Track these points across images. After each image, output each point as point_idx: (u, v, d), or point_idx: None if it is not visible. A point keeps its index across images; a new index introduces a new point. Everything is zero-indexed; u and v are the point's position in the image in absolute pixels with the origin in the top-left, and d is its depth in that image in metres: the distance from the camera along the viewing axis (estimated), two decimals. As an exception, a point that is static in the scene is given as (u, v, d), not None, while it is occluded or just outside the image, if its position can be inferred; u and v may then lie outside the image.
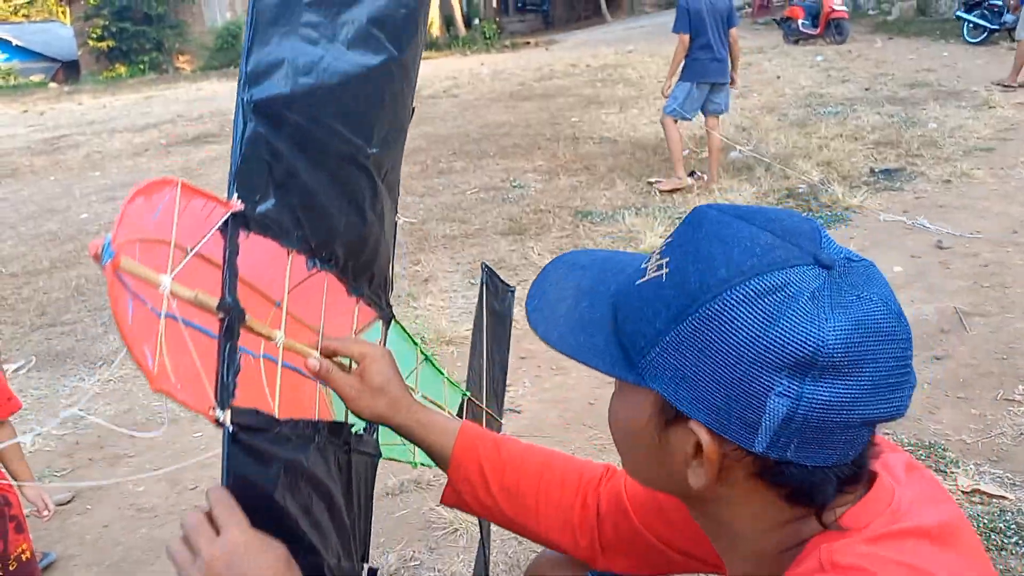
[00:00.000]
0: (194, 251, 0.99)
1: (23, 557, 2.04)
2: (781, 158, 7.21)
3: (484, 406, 1.86)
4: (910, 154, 7.04)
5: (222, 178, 9.12)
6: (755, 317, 0.70)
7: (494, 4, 36.55)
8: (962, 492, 2.60)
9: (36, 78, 32.34)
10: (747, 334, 0.70)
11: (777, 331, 0.70)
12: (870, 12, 20.43)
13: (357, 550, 1.38)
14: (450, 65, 20.77)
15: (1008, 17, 13.50)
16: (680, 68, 6.76)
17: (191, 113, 15.75)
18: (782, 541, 0.81)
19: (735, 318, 0.71)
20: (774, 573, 0.81)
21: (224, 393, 1.00)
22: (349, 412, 1.27)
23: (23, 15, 47.40)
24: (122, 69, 31.28)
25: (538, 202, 6.78)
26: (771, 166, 6.93)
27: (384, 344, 1.52)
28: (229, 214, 1.05)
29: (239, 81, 1.10)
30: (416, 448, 1.31)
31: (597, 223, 6.03)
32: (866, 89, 10.55)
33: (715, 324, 0.72)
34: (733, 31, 6.62)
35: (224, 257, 1.05)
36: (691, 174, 7.04)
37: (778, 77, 12.41)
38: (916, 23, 17.46)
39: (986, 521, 2.43)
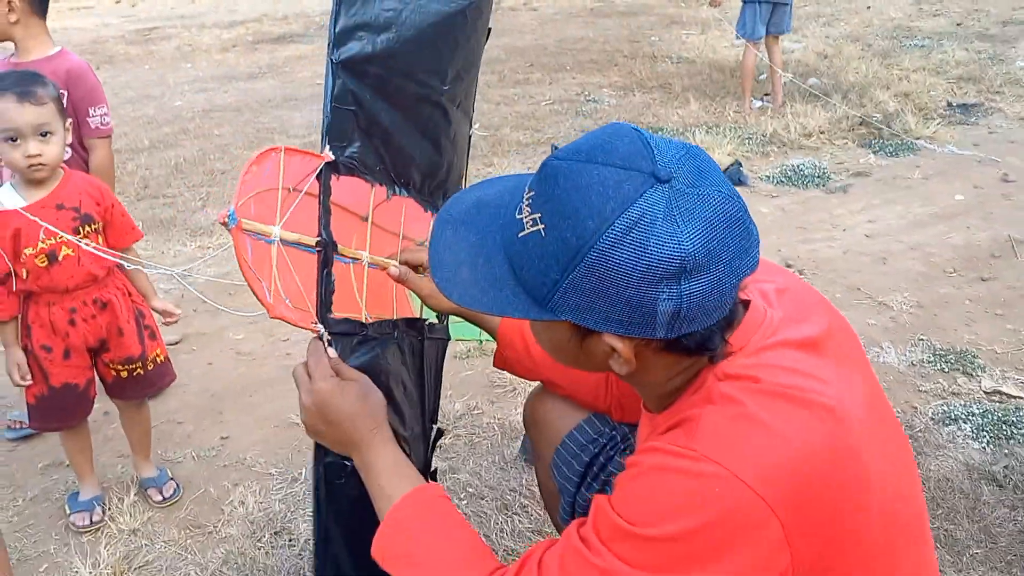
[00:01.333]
0: (295, 203, 1.36)
1: (158, 359, 2.42)
2: (859, 87, 7.20)
3: None
4: (991, 90, 6.96)
5: (308, 76, 9.42)
6: (628, 252, 0.89)
7: (582, -82, 35.61)
8: (984, 392, 2.81)
9: (125, -29, 32.80)
10: (626, 267, 0.89)
11: (648, 257, 0.88)
12: (975, -55, 19.50)
13: (427, 415, 1.71)
14: (533, -22, 20.51)
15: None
16: None
17: (276, 13, 15.98)
18: (683, 377, 1.05)
19: (612, 257, 0.89)
20: (677, 395, 1.05)
21: (323, 309, 1.36)
22: (425, 307, 1.60)
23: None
24: (208, -34, 31.61)
25: (611, 116, 6.92)
26: (848, 94, 6.94)
27: None
28: (323, 164, 1.38)
29: (328, 43, 1.37)
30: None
31: (667, 139, 6.17)
32: (958, 24, 10.26)
33: (599, 267, 0.90)
34: None
35: (319, 200, 1.39)
36: (764, 96, 7.09)
37: (868, 7, 12.09)
38: (1022, -41, 16.64)
39: (1001, 415, 2.65)
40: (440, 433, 1.75)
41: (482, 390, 2.99)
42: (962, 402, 2.76)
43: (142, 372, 2.36)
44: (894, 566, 1.04)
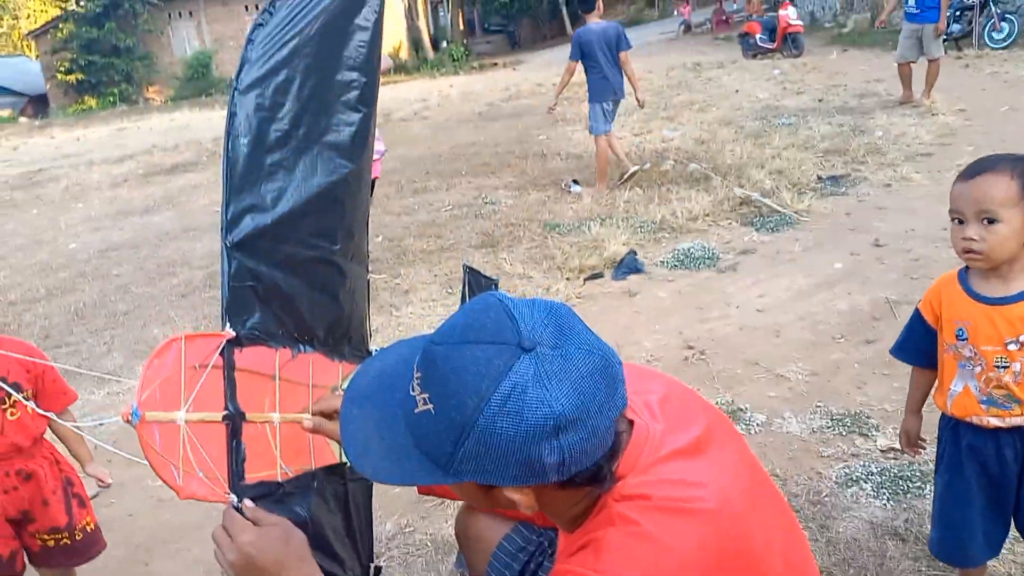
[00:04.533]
0: (200, 383, 1.45)
1: (88, 528, 2.38)
2: (736, 168, 7.67)
3: None
4: (856, 161, 7.50)
5: (205, 204, 9.44)
6: (508, 421, 1.01)
7: (461, 27, 37.14)
8: (880, 451, 3.01)
9: (4, 112, 32.39)
10: (508, 434, 1.02)
11: (526, 422, 1.01)
12: (826, 25, 21.10)
13: (362, 555, 1.78)
14: (420, 87, 21.19)
15: (955, 27, 14.14)
16: (588, 91, 7.72)
17: (166, 143, 16.04)
18: (587, 502, 1.16)
19: (495, 428, 1.02)
20: (584, 519, 1.16)
21: (235, 479, 1.45)
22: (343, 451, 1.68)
23: (-12, 50, 47.47)
24: (92, 102, 31.46)
25: (509, 216, 7.17)
26: (727, 176, 7.39)
27: None
28: (224, 341, 1.50)
29: (221, 228, 1.51)
30: None
31: (565, 234, 6.43)
32: (819, 100, 11.06)
33: (485, 437, 1.03)
34: (622, 54, 7.54)
35: (224, 374, 1.49)
36: (634, 172, 7.72)
37: (736, 91, 12.93)
38: (870, 34, 17.98)
39: (896, 472, 2.84)
40: (378, 571, 1.82)
41: (412, 506, 3.02)
42: (861, 463, 2.95)
43: (69, 542, 2.33)
44: None
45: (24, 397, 2.22)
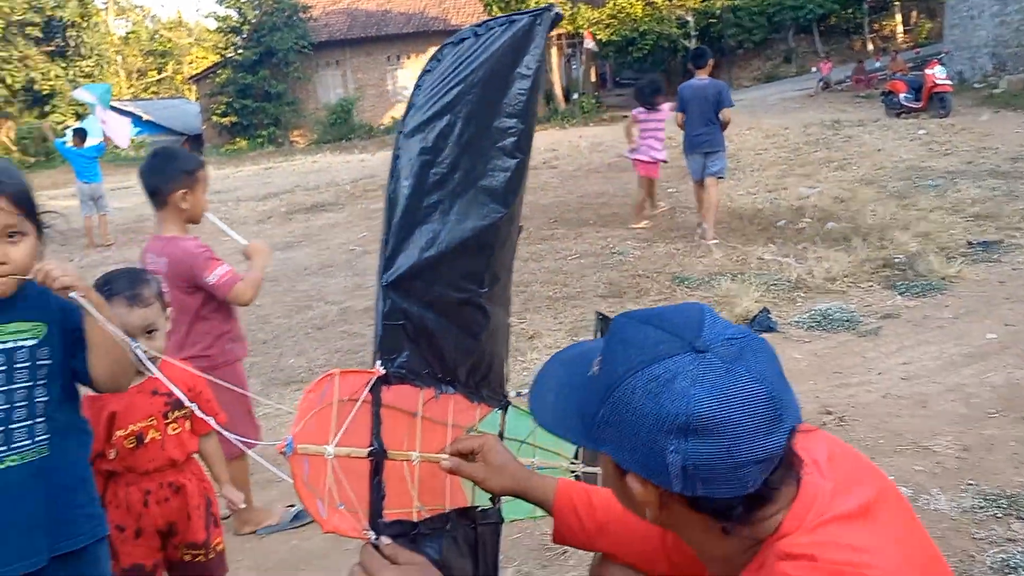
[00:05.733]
0: (349, 418, 1.48)
1: (218, 548, 2.45)
2: (879, 229, 7.37)
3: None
4: (1010, 227, 7.08)
5: (341, 242, 9.79)
6: (644, 399, 1.02)
7: (592, 79, 37.53)
8: (1042, 536, 2.77)
9: (163, 150, 34.61)
10: (640, 411, 1.02)
11: (660, 407, 1.01)
12: (975, 85, 20.22)
13: None
14: (550, 138, 21.44)
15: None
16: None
17: (308, 183, 16.80)
18: (741, 545, 1.11)
19: (631, 400, 1.03)
20: (740, 569, 1.12)
21: (375, 516, 1.48)
22: (478, 491, 1.68)
23: (152, 92, 51.24)
24: (243, 143, 33.30)
25: (636, 267, 7.11)
26: (867, 236, 7.11)
27: (504, 423, 1.92)
28: (374, 378, 1.53)
29: (378, 268, 1.55)
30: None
31: (694, 288, 6.31)
32: (968, 162, 10.56)
33: (620, 406, 1.04)
34: (724, 111, 7.76)
35: (372, 411, 1.52)
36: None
37: (879, 150, 12.51)
38: (1024, 96, 17.16)
39: (1062, 559, 2.61)
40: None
41: (533, 554, 2.98)
42: (1019, 548, 2.72)
43: (203, 559, 2.40)
44: None
45: (185, 415, 2.32)
